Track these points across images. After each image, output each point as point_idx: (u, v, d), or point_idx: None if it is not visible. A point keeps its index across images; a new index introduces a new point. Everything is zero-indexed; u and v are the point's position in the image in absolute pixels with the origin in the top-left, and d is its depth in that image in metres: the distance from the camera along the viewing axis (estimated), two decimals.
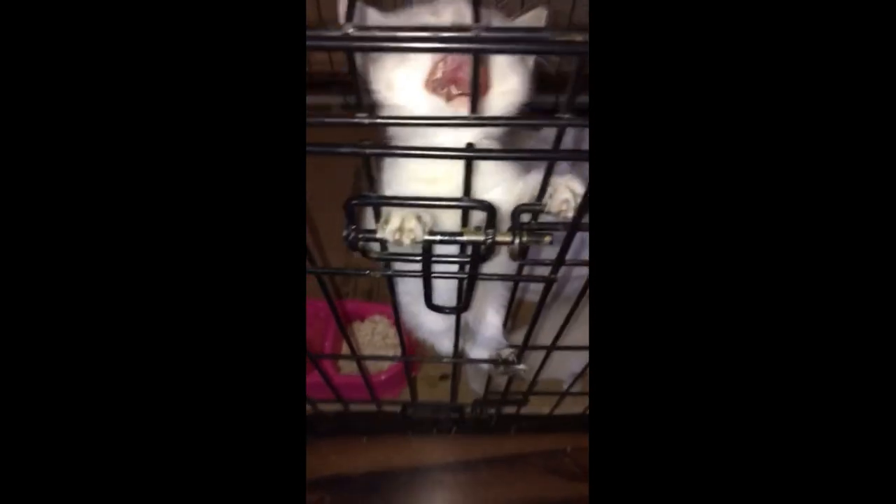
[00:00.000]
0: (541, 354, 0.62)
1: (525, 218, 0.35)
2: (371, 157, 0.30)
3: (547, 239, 0.36)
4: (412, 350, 1.00)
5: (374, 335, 1.02)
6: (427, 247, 0.36)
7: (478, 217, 0.35)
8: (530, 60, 0.40)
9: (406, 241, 0.35)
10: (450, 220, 0.39)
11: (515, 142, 0.44)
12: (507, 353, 0.59)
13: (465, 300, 0.43)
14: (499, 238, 0.35)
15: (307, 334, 0.97)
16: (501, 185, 0.42)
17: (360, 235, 0.35)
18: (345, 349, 1.01)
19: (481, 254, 0.36)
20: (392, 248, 0.38)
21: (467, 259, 0.38)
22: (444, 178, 0.34)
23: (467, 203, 0.32)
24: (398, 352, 1.00)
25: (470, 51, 0.24)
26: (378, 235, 0.35)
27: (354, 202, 0.32)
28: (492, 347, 0.60)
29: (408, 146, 0.30)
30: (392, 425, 0.96)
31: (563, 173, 0.35)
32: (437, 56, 0.37)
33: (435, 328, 0.56)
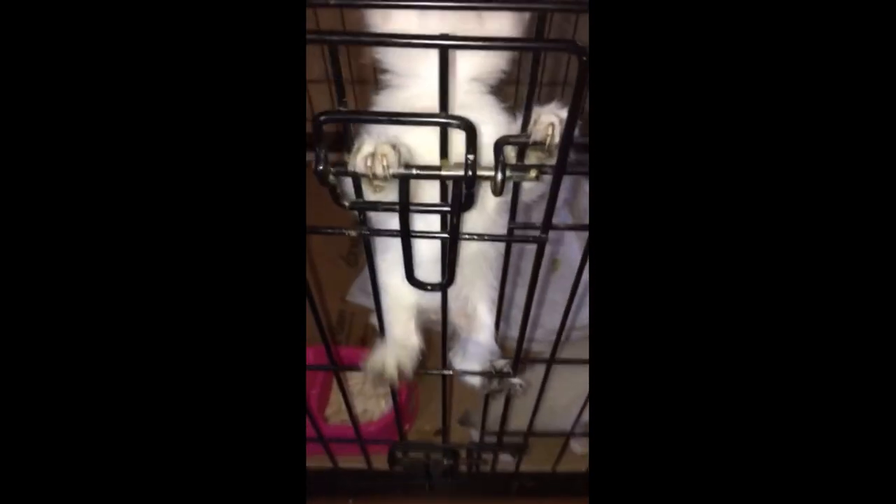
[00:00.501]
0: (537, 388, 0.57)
1: (509, 152, 0.33)
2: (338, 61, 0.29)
3: (532, 173, 0.33)
4: (405, 403, 0.93)
5: (364, 384, 0.96)
6: (404, 186, 0.33)
7: (458, 155, 0.32)
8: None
9: (378, 169, 0.32)
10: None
11: (506, 90, 0.42)
12: (501, 364, 0.54)
13: (449, 272, 0.39)
14: (481, 172, 0.32)
15: None
16: (490, 126, 0.39)
17: (333, 169, 0.32)
18: (334, 398, 0.95)
19: (462, 194, 0.33)
20: (367, 196, 0.36)
21: (447, 209, 0.35)
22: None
23: (444, 119, 0.30)
24: (390, 402, 0.93)
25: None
26: (349, 166, 0.32)
27: (323, 117, 0.30)
28: (484, 358, 0.55)
29: (379, 34, 0.28)
30: (381, 484, 0.87)
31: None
32: None
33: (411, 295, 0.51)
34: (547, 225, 0.37)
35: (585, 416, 0.66)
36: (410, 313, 0.52)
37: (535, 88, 0.30)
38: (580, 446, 0.86)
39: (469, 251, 0.48)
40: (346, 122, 0.31)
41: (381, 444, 0.69)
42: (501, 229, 0.42)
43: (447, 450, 0.69)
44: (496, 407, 0.65)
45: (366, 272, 1.15)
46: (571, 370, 0.86)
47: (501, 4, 0.31)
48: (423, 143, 0.34)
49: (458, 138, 0.32)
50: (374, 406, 0.93)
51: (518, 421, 0.72)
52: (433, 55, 0.28)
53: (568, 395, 0.79)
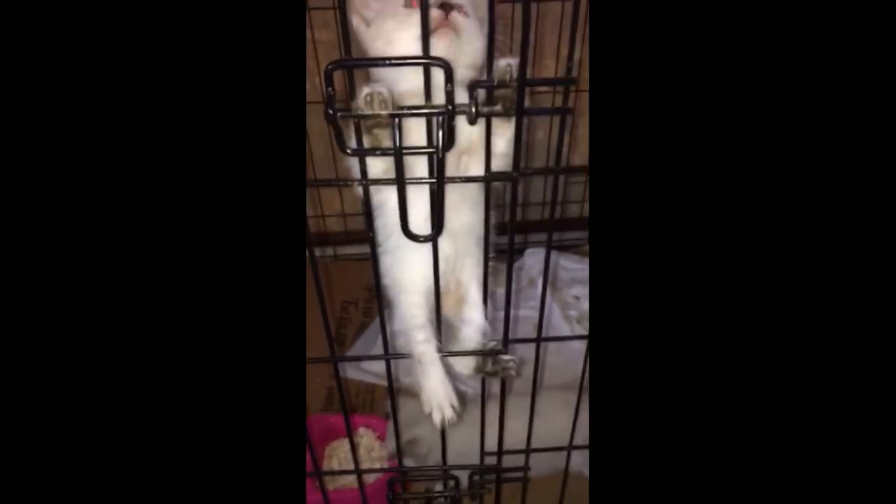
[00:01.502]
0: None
1: (479, 94, 0.41)
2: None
3: (498, 106, 0.41)
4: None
5: (358, 449, 0.93)
6: (397, 130, 0.41)
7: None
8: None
9: (376, 105, 0.40)
10: (419, 134, 0.44)
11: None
12: (492, 344, 0.57)
13: (438, 219, 0.46)
14: (458, 107, 0.40)
15: None
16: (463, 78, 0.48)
17: (339, 113, 0.40)
18: (326, 465, 0.91)
19: (444, 128, 0.41)
20: (366, 143, 0.43)
21: (434, 150, 0.42)
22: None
23: (427, 60, 0.38)
24: (384, 465, 0.90)
25: None
26: (353, 107, 0.40)
27: (331, 66, 0.38)
28: (477, 343, 0.58)
29: None
30: None
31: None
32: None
33: (414, 268, 0.55)
34: (517, 165, 0.44)
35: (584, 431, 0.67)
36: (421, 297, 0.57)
37: (493, 37, 0.39)
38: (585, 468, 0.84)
39: (460, 222, 0.55)
40: (351, 67, 0.40)
41: (382, 472, 0.67)
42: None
43: (449, 477, 0.67)
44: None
45: (354, 348, 1.17)
46: (560, 396, 0.87)
47: None
48: (409, 95, 0.43)
49: (437, 95, 0.41)
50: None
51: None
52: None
53: (559, 419, 0.81)
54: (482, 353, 0.57)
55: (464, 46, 0.51)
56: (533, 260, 1.34)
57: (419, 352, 0.57)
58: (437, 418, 0.56)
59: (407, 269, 0.56)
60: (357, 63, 0.39)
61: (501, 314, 0.61)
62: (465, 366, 0.60)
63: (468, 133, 0.50)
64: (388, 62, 0.40)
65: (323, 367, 1.15)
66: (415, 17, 0.47)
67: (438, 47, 0.49)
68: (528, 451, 0.68)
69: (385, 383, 1.07)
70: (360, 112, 0.41)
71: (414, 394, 0.58)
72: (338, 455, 0.93)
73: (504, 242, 0.56)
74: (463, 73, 0.51)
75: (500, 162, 0.50)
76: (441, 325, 0.55)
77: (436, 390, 0.56)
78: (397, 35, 0.40)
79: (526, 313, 1.21)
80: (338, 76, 0.38)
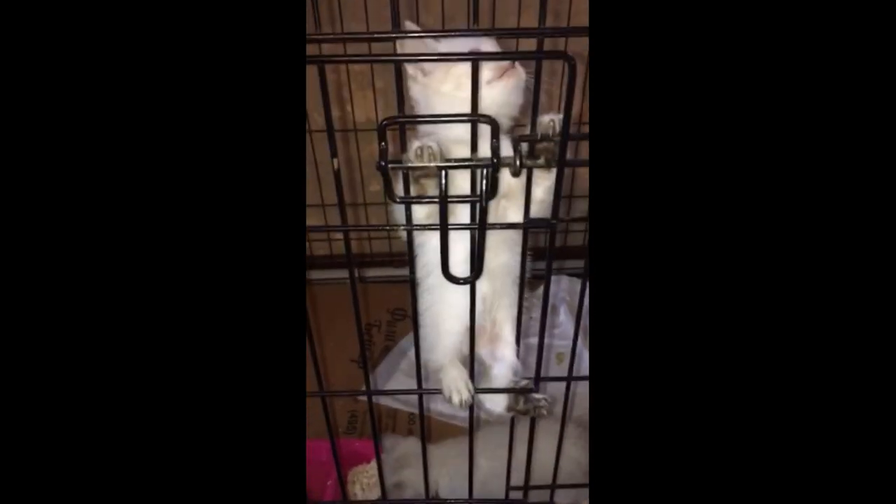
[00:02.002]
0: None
1: (523, 148, 0.43)
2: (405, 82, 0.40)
3: (541, 159, 0.43)
4: None
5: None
6: (443, 180, 0.43)
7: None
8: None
9: (425, 158, 0.42)
10: (462, 179, 0.46)
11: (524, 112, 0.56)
12: (524, 383, 0.58)
13: (478, 263, 0.47)
14: (503, 159, 0.42)
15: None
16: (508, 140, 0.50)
17: (390, 165, 0.42)
18: (352, 490, 0.92)
19: (489, 179, 0.42)
20: (413, 191, 0.45)
21: (477, 198, 0.44)
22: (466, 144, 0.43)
23: (475, 117, 0.41)
24: None
25: None
26: (403, 159, 0.42)
27: (385, 122, 0.40)
28: (508, 381, 0.59)
29: (420, 54, 0.39)
30: None
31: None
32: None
33: (451, 306, 0.57)
34: (556, 213, 0.46)
35: None
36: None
37: (538, 95, 0.41)
38: None
39: (497, 262, 0.57)
40: (403, 123, 0.42)
41: (407, 503, 0.68)
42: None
43: None
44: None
45: (377, 371, 1.19)
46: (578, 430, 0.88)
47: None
48: (455, 150, 0.45)
49: (482, 145, 0.43)
50: None
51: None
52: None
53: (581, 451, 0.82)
54: (514, 391, 0.58)
55: (521, 95, 0.54)
56: (555, 287, 1.35)
57: (446, 361, 0.61)
58: (455, 400, 0.59)
59: (444, 307, 0.58)
60: (409, 119, 0.42)
61: (527, 342, 0.63)
62: (496, 403, 0.61)
63: (507, 179, 0.52)
64: (437, 119, 0.42)
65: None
66: (487, 64, 0.51)
67: (504, 89, 0.53)
68: (553, 486, 0.69)
69: (406, 409, 1.09)
70: (410, 164, 0.43)
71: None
72: (360, 481, 0.94)
73: (535, 269, 0.58)
74: (507, 124, 0.54)
75: (538, 208, 0.52)
76: (474, 362, 0.56)
77: (455, 377, 0.60)
78: (468, 80, 0.41)
79: (548, 342, 1.22)
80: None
